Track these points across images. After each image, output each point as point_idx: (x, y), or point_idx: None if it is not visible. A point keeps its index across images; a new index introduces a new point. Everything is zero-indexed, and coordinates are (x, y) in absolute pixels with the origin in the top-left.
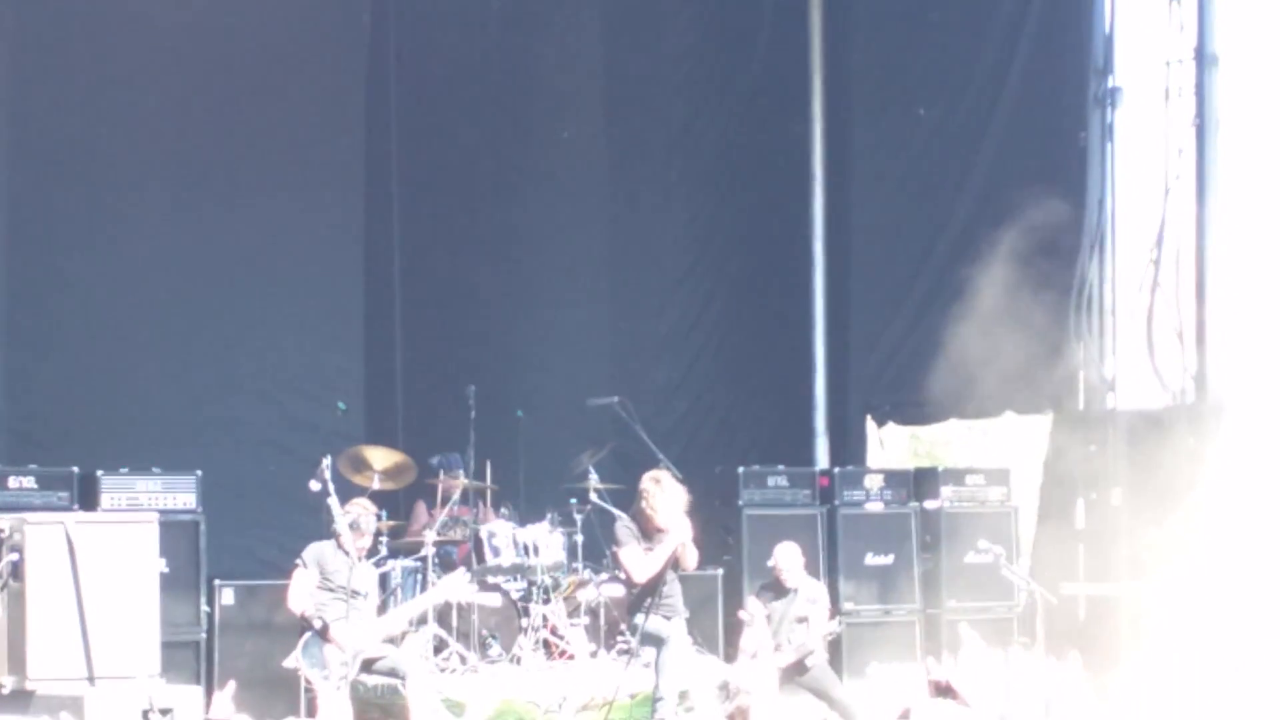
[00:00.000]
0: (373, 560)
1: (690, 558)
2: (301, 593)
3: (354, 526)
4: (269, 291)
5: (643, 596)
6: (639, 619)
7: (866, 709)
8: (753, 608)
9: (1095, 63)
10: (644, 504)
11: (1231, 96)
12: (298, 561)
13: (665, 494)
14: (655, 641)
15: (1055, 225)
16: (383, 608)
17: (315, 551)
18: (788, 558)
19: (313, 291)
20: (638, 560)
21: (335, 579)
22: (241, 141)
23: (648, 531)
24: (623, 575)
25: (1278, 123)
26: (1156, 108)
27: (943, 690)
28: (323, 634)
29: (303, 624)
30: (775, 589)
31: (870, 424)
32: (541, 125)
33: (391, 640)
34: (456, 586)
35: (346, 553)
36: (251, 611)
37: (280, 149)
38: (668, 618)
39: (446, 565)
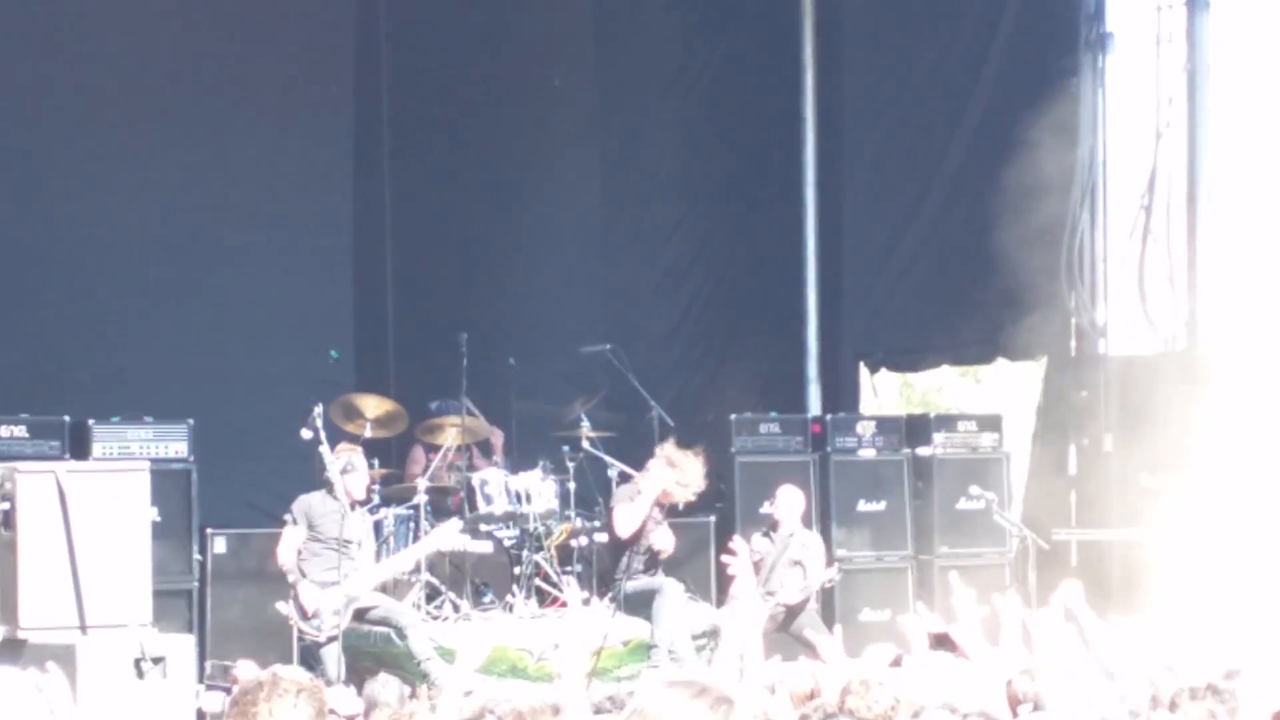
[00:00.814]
0: (366, 508)
1: (665, 539)
2: (287, 548)
3: (346, 470)
4: (259, 239)
5: (621, 555)
6: (621, 582)
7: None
8: (738, 545)
9: (1086, 8)
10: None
11: (1222, 42)
12: (286, 516)
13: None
14: (645, 598)
15: (1047, 172)
16: (377, 555)
17: (303, 505)
18: (788, 500)
19: (303, 238)
20: (623, 514)
21: (325, 530)
22: (231, 87)
23: (663, 504)
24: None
25: (1269, 67)
26: (1148, 53)
27: (940, 640)
28: (292, 592)
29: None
30: (770, 533)
31: (863, 371)
32: (533, 72)
33: (386, 589)
34: (449, 535)
35: (337, 499)
36: (244, 560)
37: (270, 95)
38: (651, 573)
39: (439, 514)
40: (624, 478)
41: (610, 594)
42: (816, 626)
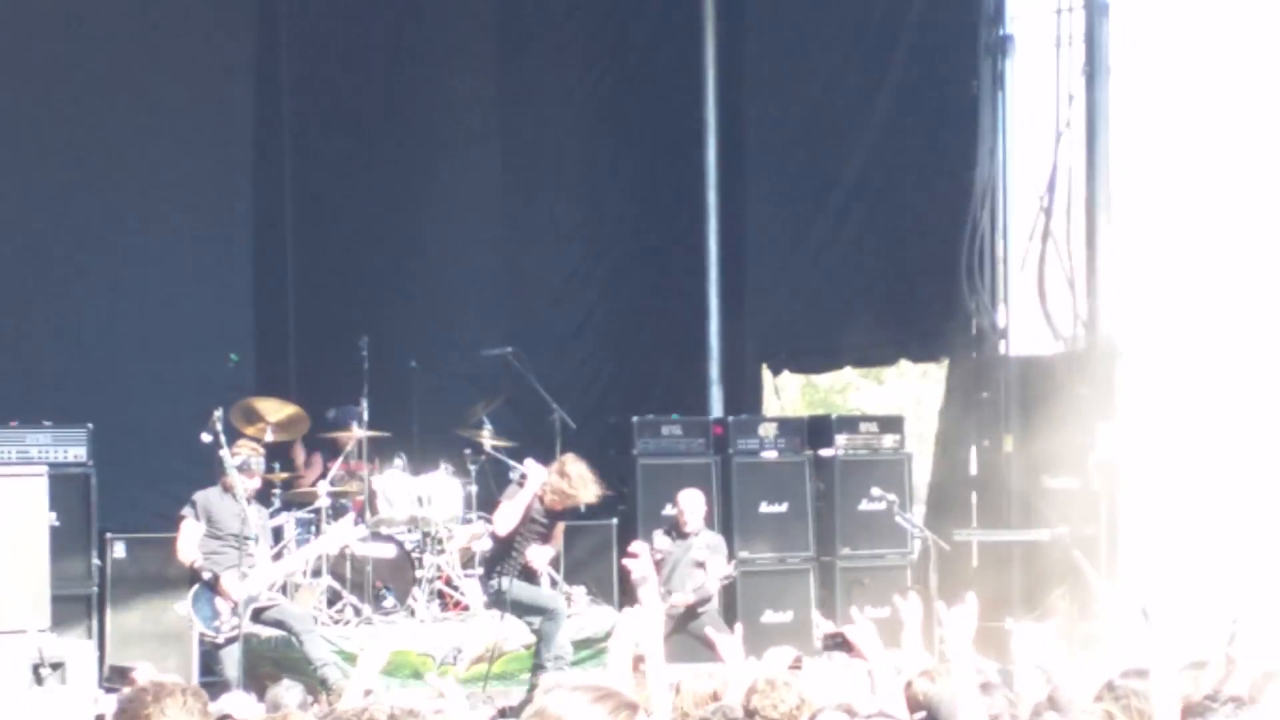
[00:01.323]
0: (268, 512)
1: (539, 555)
2: (189, 543)
3: (243, 468)
4: (158, 241)
5: (506, 552)
6: (501, 581)
7: (754, 660)
8: (639, 548)
9: (986, 11)
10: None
11: (1122, 45)
12: (183, 512)
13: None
14: (530, 609)
15: (948, 174)
16: (277, 557)
17: (201, 500)
18: (691, 504)
19: (203, 241)
20: (502, 512)
21: (224, 526)
22: (129, 89)
23: (550, 511)
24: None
25: (1167, 70)
26: (1048, 56)
27: (836, 642)
28: (213, 585)
29: (193, 575)
30: (673, 534)
31: (766, 373)
32: (434, 75)
33: (287, 592)
34: (345, 532)
35: (235, 498)
36: (143, 564)
37: (169, 97)
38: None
39: (340, 517)
40: (508, 466)
41: (493, 589)
42: (718, 626)
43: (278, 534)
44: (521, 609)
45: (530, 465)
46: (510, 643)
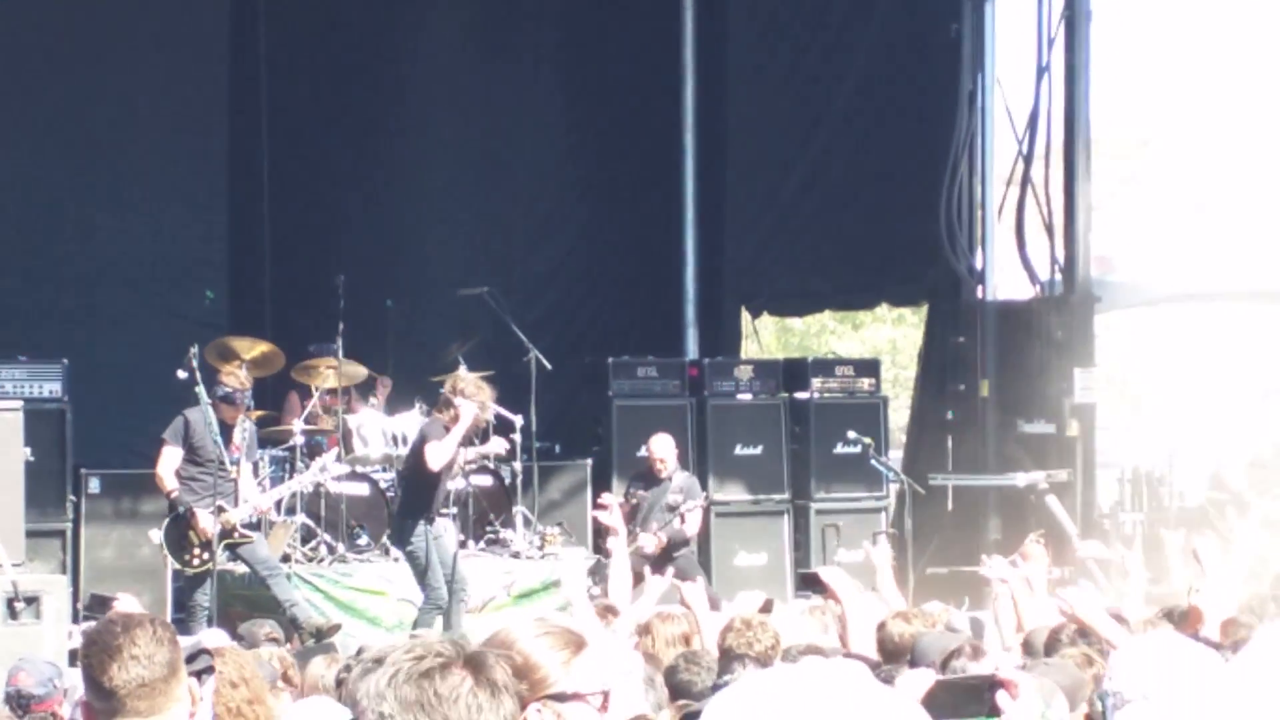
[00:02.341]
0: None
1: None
2: (168, 469)
3: (227, 399)
4: (133, 178)
5: (430, 491)
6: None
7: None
8: (607, 499)
9: None
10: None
11: None
12: (165, 435)
13: (476, 398)
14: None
15: (929, 118)
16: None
17: (182, 423)
18: (662, 448)
19: (178, 178)
20: (435, 450)
21: (205, 452)
22: (105, 24)
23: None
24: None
25: (1147, 13)
26: (1029, 1)
27: (810, 582)
28: (187, 518)
29: (170, 504)
30: (647, 479)
31: (744, 318)
32: (411, 13)
33: (257, 526)
34: (328, 468)
35: (211, 423)
36: (118, 500)
37: (144, 33)
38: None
39: (315, 456)
40: (500, 421)
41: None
42: (694, 570)
43: (254, 471)
44: (418, 568)
45: (459, 403)
46: (521, 582)
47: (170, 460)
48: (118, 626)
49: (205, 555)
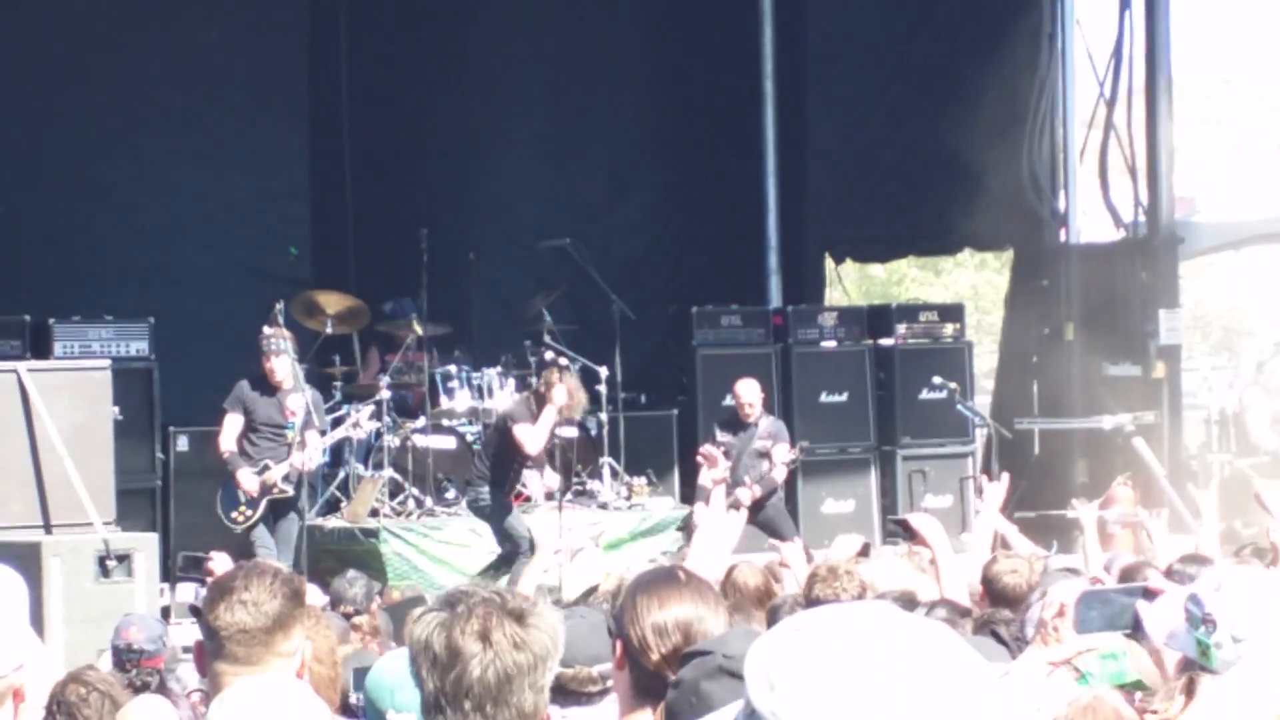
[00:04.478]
0: (326, 404)
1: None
2: (227, 435)
3: (271, 351)
4: (216, 136)
5: (504, 468)
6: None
7: (813, 553)
8: (709, 449)
9: None
10: (544, 391)
11: None
12: (225, 404)
13: (565, 386)
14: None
15: (1011, 62)
16: (338, 452)
17: (236, 392)
18: (749, 393)
19: (260, 135)
20: (529, 433)
21: (258, 416)
22: None
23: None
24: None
25: None
26: None
27: (900, 529)
28: (232, 477)
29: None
30: (734, 425)
31: (828, 266)
32: None
33: (345, 484)
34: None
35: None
36: (206, 457)
37: None
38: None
39: (402, 410)
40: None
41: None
42: (783, 519)
43: (339, 425)
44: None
45: (556, 393)
46: (609, 532)
47: (229, 426)
48: (242, 570)
49: (250, 513)
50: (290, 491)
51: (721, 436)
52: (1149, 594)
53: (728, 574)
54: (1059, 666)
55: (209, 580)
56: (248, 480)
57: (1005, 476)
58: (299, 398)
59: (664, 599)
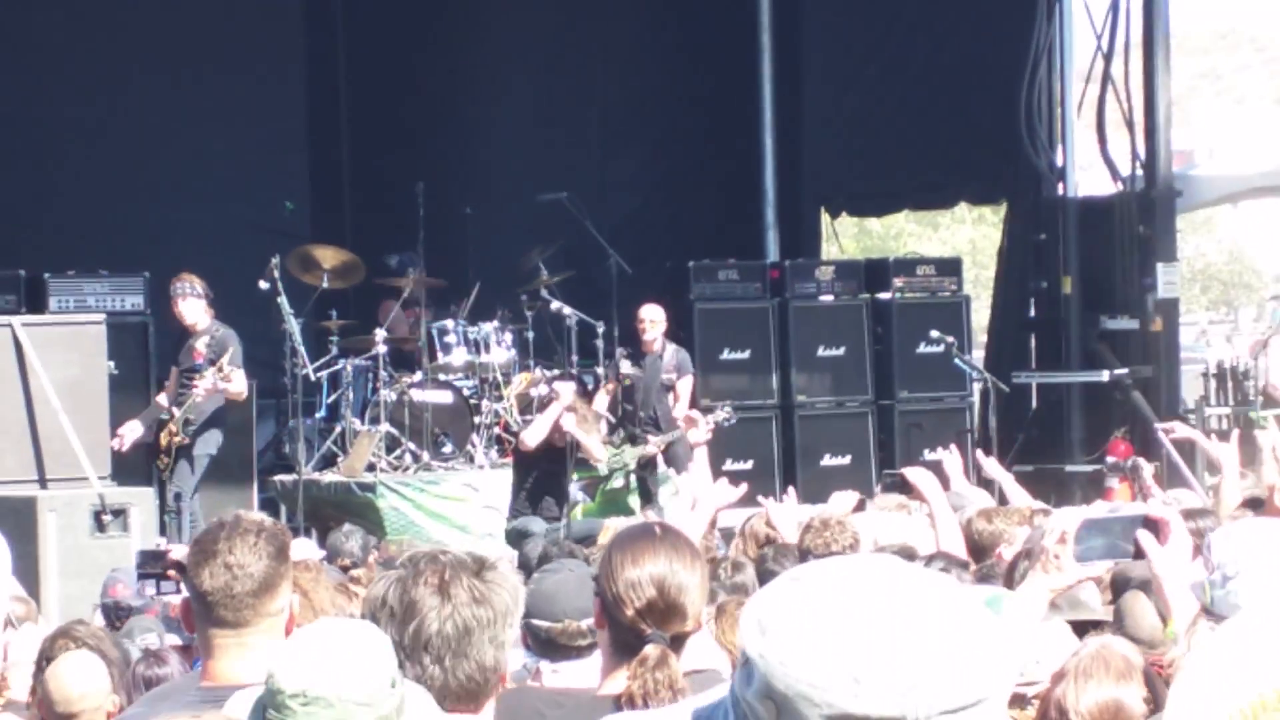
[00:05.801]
0: (323, 359)
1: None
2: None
3: (169, 297)
4: (212, 89)
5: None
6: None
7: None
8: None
9: None
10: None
11: None
12: None
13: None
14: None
15: (1008, 15)
16: (334, 406)
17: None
18: (650, 312)
19: (256, 89)
20: (529, 428)
21: (181, 363)
22: None
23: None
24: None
25: None
26: None
27: (896, 482)
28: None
29: None
30: (639, 354)
31: (824, 220)
32: None
33: (341, 438)
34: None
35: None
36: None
37: None
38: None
39: (399, 365)
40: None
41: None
42: (686, 452)
43: (336, 379)
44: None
45: (560, 386)
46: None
47: (172, 380)
48: (223, 530)
49: (166, 459)
50: (185, 439)
51: (626, 369)
52: (1149, 523)
53: (712, 524)
54: (1061, 594)
55: (170, 572)
56: (126, 428)
57: (954, 448)
58: (206, 338)
59: (638, 555)
